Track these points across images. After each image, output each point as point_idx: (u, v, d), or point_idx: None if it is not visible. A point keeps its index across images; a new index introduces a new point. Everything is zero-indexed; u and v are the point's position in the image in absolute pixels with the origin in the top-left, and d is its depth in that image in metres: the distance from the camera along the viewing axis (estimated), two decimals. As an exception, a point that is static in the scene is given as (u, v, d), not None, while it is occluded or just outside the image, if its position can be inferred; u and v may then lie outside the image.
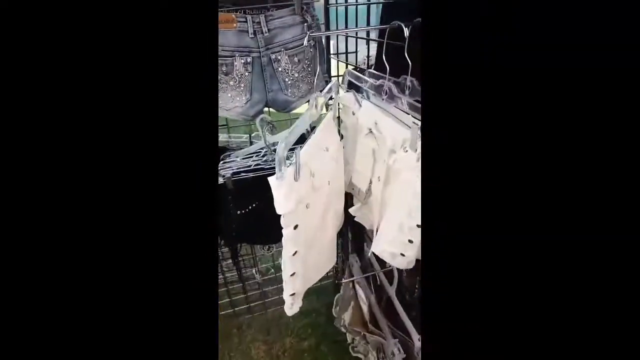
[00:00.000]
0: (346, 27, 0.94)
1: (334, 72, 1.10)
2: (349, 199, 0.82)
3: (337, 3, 0.95)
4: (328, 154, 0.63)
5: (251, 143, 1.15)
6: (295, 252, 0.56)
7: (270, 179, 0.50)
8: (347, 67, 1.07)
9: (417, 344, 0.71)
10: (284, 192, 0.50)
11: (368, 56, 0.87)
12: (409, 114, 0.55)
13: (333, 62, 1.06)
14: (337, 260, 1.47)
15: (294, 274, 0.60)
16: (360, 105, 0.69)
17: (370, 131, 0.61)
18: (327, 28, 1.00)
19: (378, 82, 0.60)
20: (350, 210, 0.77)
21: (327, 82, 0.99)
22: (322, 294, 1.56)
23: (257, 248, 1.39)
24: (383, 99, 0.59)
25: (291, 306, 0.66)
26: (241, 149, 1.11)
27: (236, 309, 1.45)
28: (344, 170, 0.74)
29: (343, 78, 0.77)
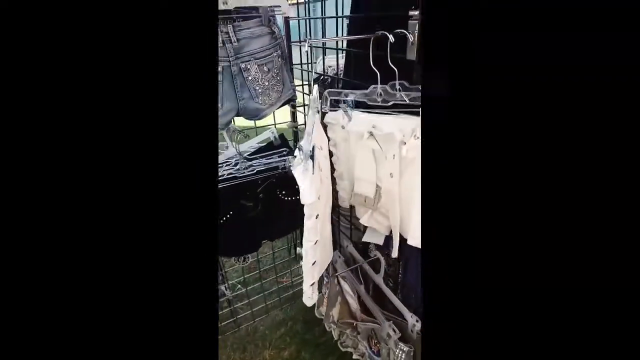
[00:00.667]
0: (310, 39, 1.00)
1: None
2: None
3: (298, 17, 1.01)
4: (322, 152, 0.67)
5: (217, 154, 1.12)
6: (317, 241, 0.59)
7: (296, 172, 0.53)
8: (309, 76, 1.13)
9: (411, 321, 0.78)
10: (308, 184, 0.52)
11: (337, 66, 0.94)
12: (401, 111, 0.62)
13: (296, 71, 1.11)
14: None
15: (314, 262, 0.62)
16: (350, 118, 0.73)
17: (371, 134, 0.66)
18: (288, 39, 1.05)
19: (370, 89, 0.66)
20: (362, 220, 0.79)
21: (294, 90, 1.04)
22: (295, 302, 1.56)
23: (225, 263, 1.35)
24: (379, 101, 0.65)
25: (311, 296, 0.67)
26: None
27: (207, 331, 1.37)
28: (341, 186, 0.76)
29: (323, 98, 0.79)
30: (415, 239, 0.67)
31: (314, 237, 0.59)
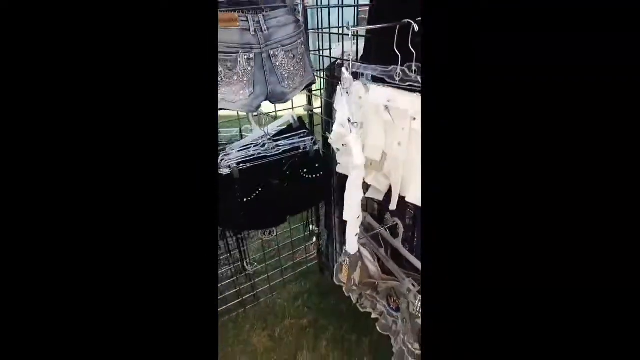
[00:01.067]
0: (329, 26, 1.08)
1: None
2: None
3: (317, 5, 1.09)
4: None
5: (241, 137, 1.21)
6: (361, 198, 0.69)
7: (349, 138, 0.62)
8: (323, 61, 1.22)
9: (428, 276, 0.89)
10: (359, 148, 0.62)
11: (357, 50, 1.03)
12: (415, 90, 0.72)
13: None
14: (319, 242, 1.59)
15: (359, 216, 0.72)
16: (368, 90, 0.83)
17: (386, 107, 0.76)
18: (306, 27, 1.13)
19: (390, 68, 0.76)
20: (366, 180, 0.90)
21: (314, 75, 1.12)
22: (309, 277, 1.67)
23: (245, 241, 1.44)
24: (397, 81, 0.75)
25: (355, 245, 0.77)
26: (232, 142, 1.16)
27: (229, 304, 1.47)
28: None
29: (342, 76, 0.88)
30: (412, 197, 0.79)
31: (360, 195, 0.69)
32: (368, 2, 0.96)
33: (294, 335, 1.40)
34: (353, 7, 1.04)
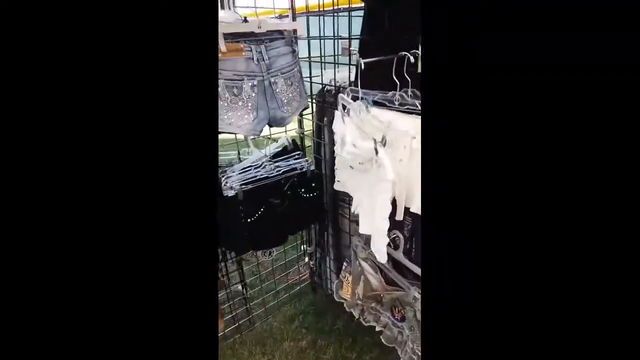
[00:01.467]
0: (320, 55, 1.17)
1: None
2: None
3: (308, 36, 1.18)
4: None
5: (239, 160, 1.23)
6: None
7: (380, 155, 0.68)
8: (322, 87, 1.30)
9: (431, 283, 0.95)
10: (389, 164, 0.68)
11: (348, 76, 1.11)
12: (412, 112, 0.80)
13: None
14: (311, 261, 1.61)
15: (389, 227, 0.78)
16: (369, 111, 0.90)
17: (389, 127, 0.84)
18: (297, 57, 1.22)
19: (390, 93, 0.84)
20: None
21: (307, 100, 1.19)
22: (302, 298, 1.67)
23: (243, 263, 1.43)
24: (396, 104, 0.83)
25: (385, 254, 0.82)
26: (231, 165, 1.19)
27: (226, 330, 1.43)
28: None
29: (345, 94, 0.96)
30: (416, 208, 0.85)
31: (390, 207, 0.75)
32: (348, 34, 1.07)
33: (294, 358, 1.38)
34: (338, 39, 1.14)
